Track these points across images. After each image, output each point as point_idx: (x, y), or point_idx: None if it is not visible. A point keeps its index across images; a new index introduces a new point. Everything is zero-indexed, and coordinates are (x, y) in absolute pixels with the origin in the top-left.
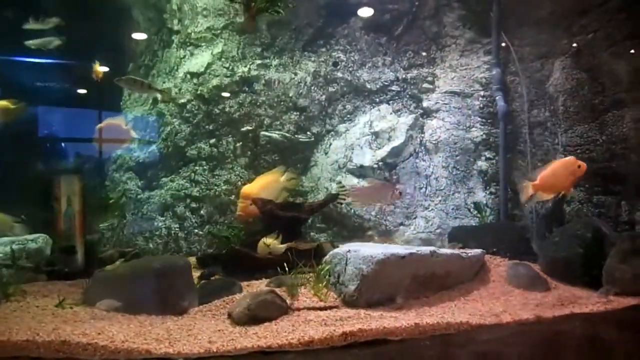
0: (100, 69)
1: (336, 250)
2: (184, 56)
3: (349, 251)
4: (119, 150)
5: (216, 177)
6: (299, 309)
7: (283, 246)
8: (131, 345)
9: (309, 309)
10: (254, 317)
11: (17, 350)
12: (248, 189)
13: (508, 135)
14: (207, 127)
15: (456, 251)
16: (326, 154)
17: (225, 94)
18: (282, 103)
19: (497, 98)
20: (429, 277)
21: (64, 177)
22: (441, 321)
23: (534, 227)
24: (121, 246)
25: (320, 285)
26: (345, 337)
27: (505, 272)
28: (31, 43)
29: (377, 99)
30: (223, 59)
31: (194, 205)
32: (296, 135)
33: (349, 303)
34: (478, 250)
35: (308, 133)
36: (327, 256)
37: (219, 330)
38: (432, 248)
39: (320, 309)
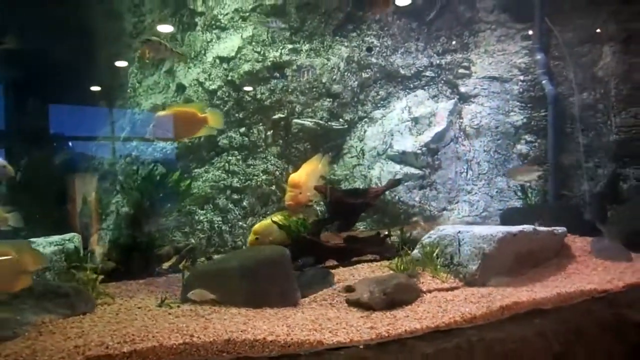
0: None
1: (443, 232)
2: (211, 40)
3: (459, 232)
4: (134, 142)
5: (251, 167)
6: (429, 291)
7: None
8: (299, 337)
9: (438, 290)
10: (391, 301)
11: (175, 354)
12: (296, 177)
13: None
14: (237, 115)
15: (550, 229)
16: (361, 140)
17: (249, 87)
18: (314, 89)
19: (543, 82)
20: (527, 254)
21: (78, 177)
22: (576, 289)
23: (585, 205)
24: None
25: (438, 267)
26: (503, 311)
27: (590, 247)
28: None
29: (411, 85)
30: (254, 43)
31: (235, 196)
32: (329, 123)
33: (470, 282)
34: (563, 228)
35: (341, 120)
36: (431, 238)
37: (364, 317)
38: (532, 226)
39: (447, 289)
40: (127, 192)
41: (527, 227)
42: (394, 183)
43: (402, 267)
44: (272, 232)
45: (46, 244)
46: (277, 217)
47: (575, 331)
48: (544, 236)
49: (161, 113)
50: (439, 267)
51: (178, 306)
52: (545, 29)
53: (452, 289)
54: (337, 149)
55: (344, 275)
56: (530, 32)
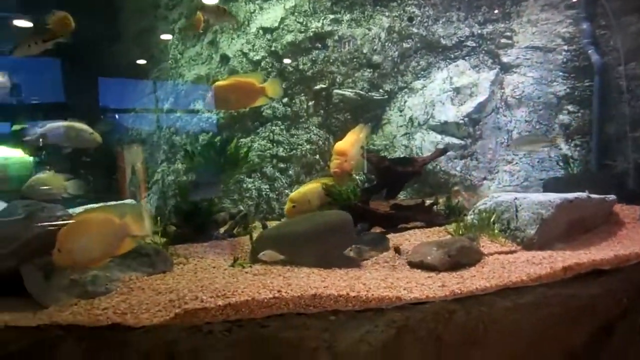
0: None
1: (499, 199)
2: (254, 10)
3: (516, 199)
4: (177, 113)
5: (295, 136)
6: (490, 254)
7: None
8: (378, 294)
9: (498, 253)
10: (456, 263)
11: (266, 308)
12: (342, 145)
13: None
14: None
15: (601, 196)
16: (401, 111)
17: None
18: (354, 60)
19: (589, 52)
20: (579, 220)
21: (127, 147)
22: (631, 252)
23: (629, 175)
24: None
25: (496, 231)
26: (565, 271)
27: (638, 214)
28: None
29: (452, 55)
30: (296, 14)
31: (281, 165)
32: (369, 93)
33: (528, 246)
34: (613, 196)
35: (381, 90)
36: (487, 205)
37: (431, 277)
38: (586, 193)
39: (507, 252)
40: (190, 157)
41: (581, 195)
42: (441, 152)
43: (460, 232)
44: (309, 199)
45: None
46: (314, 185)
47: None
48: (595, 203)
49: (219, 83)
50: (496, 232)
51: (250, 266)
52: None
53: (511, 252)
54: (376, 119)
55: (398, 240)
56: (575, 1)
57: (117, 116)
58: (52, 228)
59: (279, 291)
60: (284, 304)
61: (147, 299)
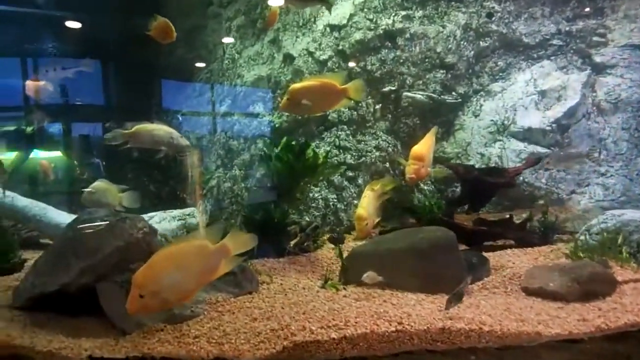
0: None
1: (624, 217)
2: (321, 6)
3: None
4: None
5: (362, 143)
6: (625, 282)
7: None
8: (513, 329)
9: (633, 281)
10: (586, 292)
11: (387, 342)
12: (419, 150)
13: None
14: None
15: None
16: (476, 116)
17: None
18: (426, 60)
19: None
20: None
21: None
22: None
23: None
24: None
25: (625, 255)
26: None
27: None
28: None
29: (535, 55)
30: (366, 10)
31: (350, 173)
32: (442, 96)
33: None
34: None
35: (454, 93)
36: (607, 224)
37: (561, 308)
38: None
39: None
40: (266, 161)
41: None
42: (534, 162)
43: (578, 254)
44: (373, 209)
45: (170, 219)
46: (367, 194)
47: None
48: None
49: (295, 86)
50: (625, 255)
51: (344, 288)
52: None
53: None
54: (448, 124)
55: (498, 261)
56: None
57: (180, 118)
58: (135, 241)
59: (399, 323)
60: (408, 338)
61: (244, 326)
